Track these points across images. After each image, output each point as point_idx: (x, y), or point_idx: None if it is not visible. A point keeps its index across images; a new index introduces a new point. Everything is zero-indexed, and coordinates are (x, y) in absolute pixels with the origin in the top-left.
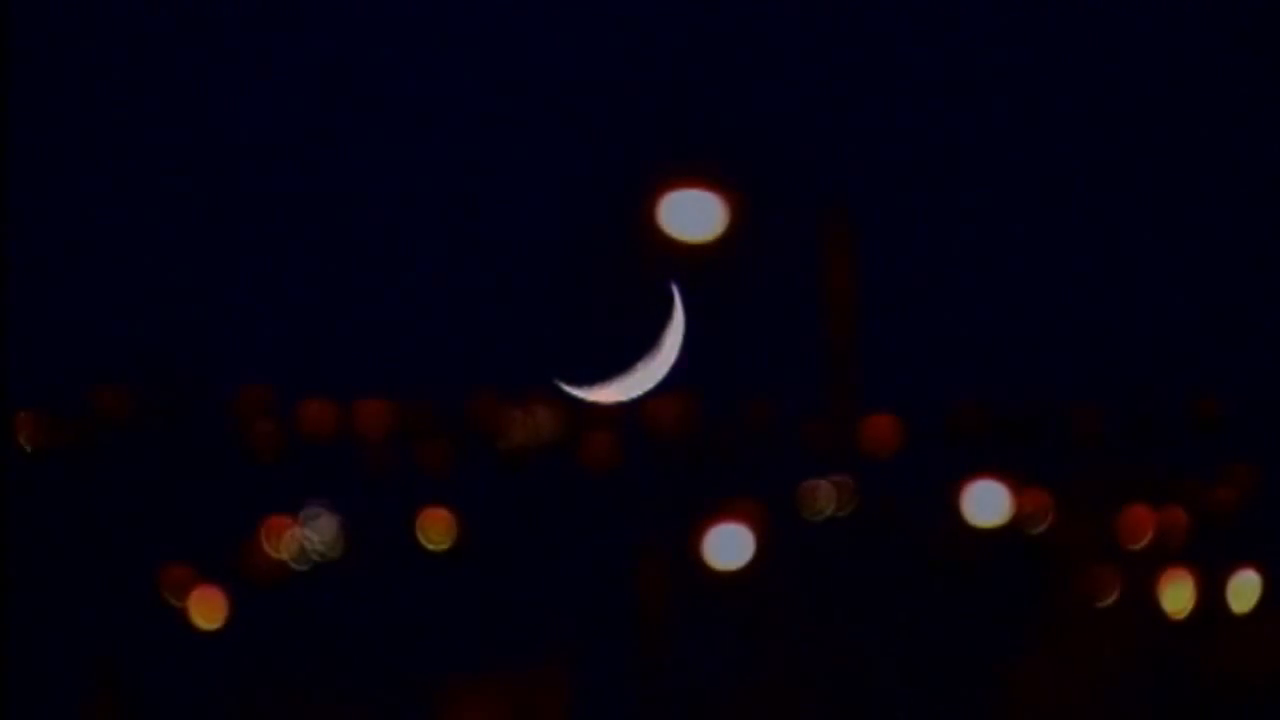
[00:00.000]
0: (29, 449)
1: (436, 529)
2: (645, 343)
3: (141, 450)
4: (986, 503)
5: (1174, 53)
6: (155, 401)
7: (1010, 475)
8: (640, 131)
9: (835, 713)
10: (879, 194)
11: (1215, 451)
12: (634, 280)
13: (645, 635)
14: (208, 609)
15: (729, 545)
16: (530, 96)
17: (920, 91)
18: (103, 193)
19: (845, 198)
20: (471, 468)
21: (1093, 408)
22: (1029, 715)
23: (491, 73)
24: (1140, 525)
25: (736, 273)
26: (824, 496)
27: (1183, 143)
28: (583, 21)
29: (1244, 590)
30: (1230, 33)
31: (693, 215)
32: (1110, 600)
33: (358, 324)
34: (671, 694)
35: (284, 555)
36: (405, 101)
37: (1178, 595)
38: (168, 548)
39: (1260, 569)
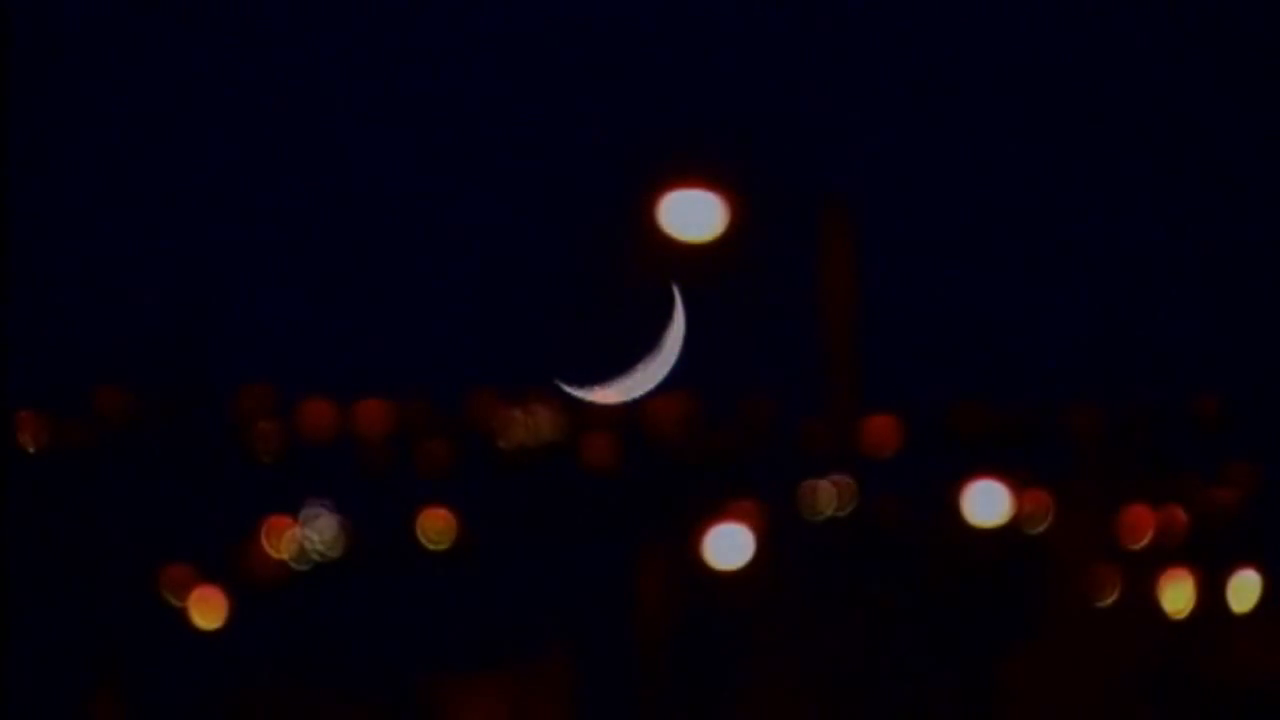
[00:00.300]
0: (30, 449)
1: (436, 529)
2: (645, 343)
3: (141, 450)
4: (986, 503)
5: (1174, 52)
6: (155, 401)
7: (1010, 475)
8: (640, 131)
9: (836, 713)
10: (879, 193)
11: (1215, 451)
12: (634, 280)
13: (645, 636)
14: (208, 609)
15: (729, 545)
16: (530, 95)
17: (921, 90)
18: (103, 193)
19: (845, 196)
20: (471, 468)
21: (1093, 408)
22: (1028, 715)
23: (491, 72)
24: (1140, 525)
25: (736, 273)
26: (824, 496)
27: (1183, 142)
28: (583, 20)
29: (1244, 590)
30: (1230, 33)
31: (693, 215)
32: (1110, 600)
33: (358, 324)
34: (672, 693)
35: (284, 555)
36: (406, 101)
37: (1178, 595)
38: (168, 548)
39: (1260, 569)
